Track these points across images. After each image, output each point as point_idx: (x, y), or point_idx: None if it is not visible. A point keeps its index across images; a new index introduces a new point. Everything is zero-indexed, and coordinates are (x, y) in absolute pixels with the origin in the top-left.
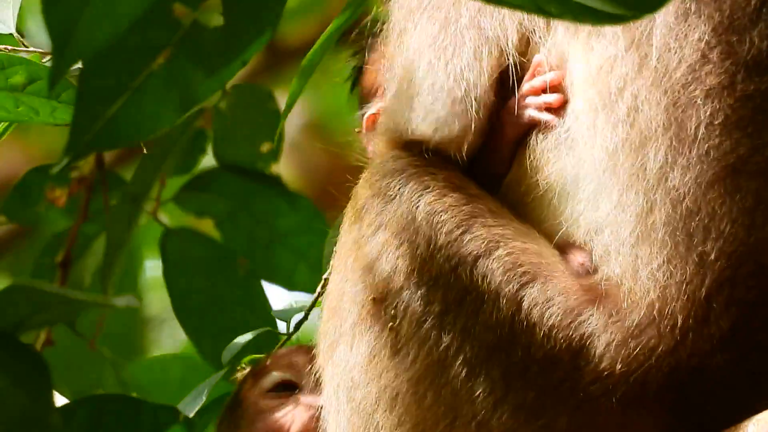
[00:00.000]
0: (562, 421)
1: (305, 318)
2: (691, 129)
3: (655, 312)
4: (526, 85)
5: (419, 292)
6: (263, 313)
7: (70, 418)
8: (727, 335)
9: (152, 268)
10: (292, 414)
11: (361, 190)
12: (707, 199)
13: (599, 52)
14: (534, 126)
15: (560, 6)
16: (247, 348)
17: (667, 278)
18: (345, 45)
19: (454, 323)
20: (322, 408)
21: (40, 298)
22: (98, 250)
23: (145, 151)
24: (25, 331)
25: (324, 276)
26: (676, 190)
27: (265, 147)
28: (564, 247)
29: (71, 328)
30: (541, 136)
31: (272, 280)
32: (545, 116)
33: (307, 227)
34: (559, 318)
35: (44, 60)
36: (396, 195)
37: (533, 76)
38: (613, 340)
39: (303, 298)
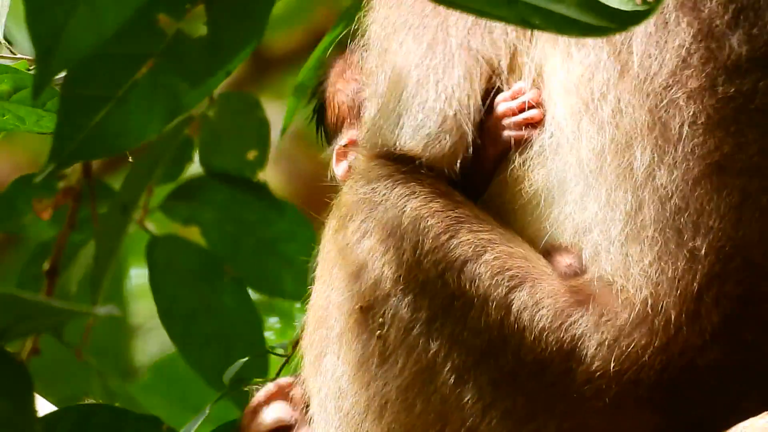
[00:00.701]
0: (552, 425)
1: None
2: (675, 129)
3: (648, 308)
4: (503, 106)
5: (407, 298)
6: (250, 321)
7: (53, 428)
8: (717, 330)
9: (138, 276)
10: None
11: (345, 198)
12: (695, 195)
13: (579, 60)
14: (515, 143)
15: (544, 18)
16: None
17: (659, 274)
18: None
19: (442, 329)
20: None
21: (23, 306)
22: (85, 260)
23: (131, 160)
24: (9, 340)
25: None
26: (664, 188)
27: (252, 155)
28: (550, 250)
29: (58, 338)
30: (522, 147)
31: (259, 287)
32: (524, 132)
33: (294, 234)
34: (549, 320)
35: (31, 68)
36: (381, 201)
37: (513, 97)
38: (605, 340)
39: None
